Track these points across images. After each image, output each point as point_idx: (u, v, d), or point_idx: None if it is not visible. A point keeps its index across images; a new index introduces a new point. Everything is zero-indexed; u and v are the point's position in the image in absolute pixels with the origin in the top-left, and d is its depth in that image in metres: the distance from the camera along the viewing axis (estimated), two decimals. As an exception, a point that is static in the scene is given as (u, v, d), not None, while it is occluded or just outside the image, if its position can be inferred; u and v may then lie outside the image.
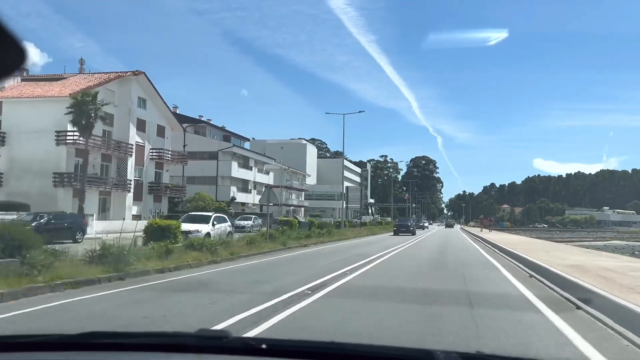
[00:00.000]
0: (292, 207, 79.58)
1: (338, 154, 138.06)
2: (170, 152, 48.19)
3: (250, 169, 62.66)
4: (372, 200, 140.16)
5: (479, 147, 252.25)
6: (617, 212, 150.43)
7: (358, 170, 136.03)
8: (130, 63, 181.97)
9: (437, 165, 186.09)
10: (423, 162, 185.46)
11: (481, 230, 58.20)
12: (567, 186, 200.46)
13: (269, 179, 67.84)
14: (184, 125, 58.74)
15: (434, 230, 66.93)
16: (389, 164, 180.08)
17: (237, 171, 58.79)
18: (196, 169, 57.96)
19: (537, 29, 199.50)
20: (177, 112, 61.31)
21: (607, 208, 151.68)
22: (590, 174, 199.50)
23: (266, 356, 1.88)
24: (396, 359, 1.94)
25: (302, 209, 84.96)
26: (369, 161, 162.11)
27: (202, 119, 62.48)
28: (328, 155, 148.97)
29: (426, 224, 77.02)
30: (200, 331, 2.07)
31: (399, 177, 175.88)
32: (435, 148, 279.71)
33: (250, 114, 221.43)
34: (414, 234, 40.72)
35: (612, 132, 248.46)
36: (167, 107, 47.53)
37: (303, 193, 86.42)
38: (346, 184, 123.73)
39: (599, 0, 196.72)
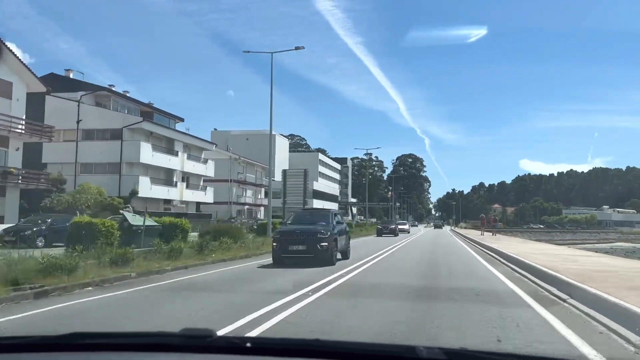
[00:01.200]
0: (246, 207, 62.20)
1: (319, 151, 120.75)
2: (23, 122, 30.75)
3: (176, 154, 45.15)
4: (353, 200, 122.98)
5: (466, 148, 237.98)
6: (618, 211, 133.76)
7: (337, 166, 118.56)
8: (116, 65, 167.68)
9: (424, 163, 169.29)
10: (410, 160, 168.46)
11: (482, 234, 41.03)
12: (559, 185, 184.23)
13: (206, 169, 50.33)
14: (80, 93, 41.44)
15: (419, 234, 49.51)
16: (374, 162, 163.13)
17: (150, 156, 41.30)
18: (95, 153, 40.60)
19: (515, 26, 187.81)
20: (71, 76, 43.91)
21: (607, 207, 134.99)
22: (582, 172, 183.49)
23: (251, 355, 1.78)
24: (379, 355, 1.80)
25: (262, 208, 67.50)
26: (352, 159, 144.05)
27: (114, 89, 44.97)
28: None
29: (406, 227, 53.83)
30: (185, 330, 1.91)
31: (385, 176, 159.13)
32: (423, 150, 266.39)
33: (236, 115, 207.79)
34: (330, 261, 14.07)
35: (597, 133, 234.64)
36: (14, 55, 30.04)
37: (263, 190, 68.85)
38: (323, 180, 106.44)
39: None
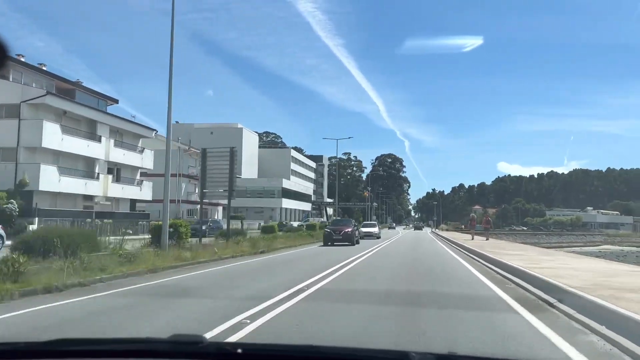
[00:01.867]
0: (198, 207, 52.95)
1: (296, 150, 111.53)
2: None
3: (99, 139, 35.82)
4: (329, 200, 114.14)
5: (445, 150, 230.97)
6: (602, 212, 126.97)
7: (312, 164, 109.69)
8: (93, 63, 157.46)
9: (403, 163, 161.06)
10: (389, 160, 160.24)
11: (472, 238, 32.57)
12: (540, 186, 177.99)
13: (142, 160, 41.00)
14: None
15: (395, 239, 40.73)
16: (353, 162, 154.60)
17: (59, 140, 31.91)
18: (-14, 135, 31.16)
19: (508, 35, 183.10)
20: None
21: (591, 208, 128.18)
22: (563, 173, 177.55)
23: None
24: None
25: (220, 208, 58.34)
26: (330, 159, 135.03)
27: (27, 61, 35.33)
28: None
29: (374, 230, 38.61)
30: (174, 336, 1.84)
31: (363, 176, 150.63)
32: (403, 152, 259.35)
33: (215, 115, 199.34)
34: None
35: (573, 137, 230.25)
36: None
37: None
38: (296, 179, 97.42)
39: (565, 14, 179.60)
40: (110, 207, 38.06)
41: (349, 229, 26.74)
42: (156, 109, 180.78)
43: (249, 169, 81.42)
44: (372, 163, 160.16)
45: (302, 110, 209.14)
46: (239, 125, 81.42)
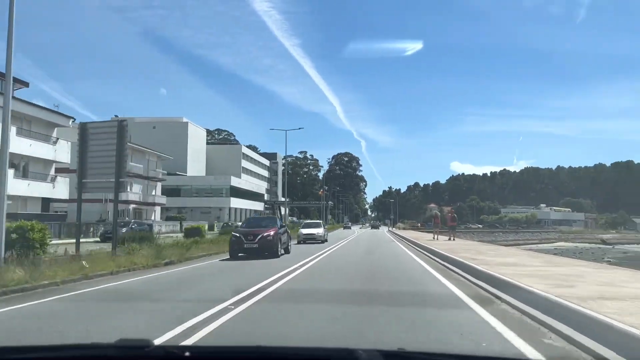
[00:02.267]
0: (131, 206, 46.64)
1: (250, 149, 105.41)
2: None
3: (-5, 126, 29.68)
4: (284, 199, 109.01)
5: (400, 150, 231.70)
6: (555, 209, 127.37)
7: (265, 162, 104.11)
8: (40, 61, 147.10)
9: (360, 162, 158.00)
10: (346, 159, 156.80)
11: (435, 238, 28.30)
12: (492, 185, 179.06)
13: (56, 153, 34.72)
14: None
15: (348, 240, 35.69)
16: (309, 161, 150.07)
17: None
18: None
19: (449, 41, 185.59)
20: None
21: (544, 205, 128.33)
22: (515, 172, 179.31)
23: None
24: (320, 359, 1.74)
25: (157, 208, 52.21)
26: (285, 157, 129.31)
27: None
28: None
29: (318, 231, 28.81)
30: (120, 341, 1.75)
31: (320, 175, 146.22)
32: (359, 152, 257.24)
33: (168, 114, 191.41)
34: None
35: (522, 137, 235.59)
36: None
37: (159, 184, 53.43)
38: (247, 177, 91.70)
39: (501, 19, 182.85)
40: (15, 207, 31.74)
41: (270, 233, 17.11)
42: (104, 107, 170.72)
43: (195, 165, 75.40)
44: (328, 162, 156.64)
45: (258, 110, 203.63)
46: (184, 120, 75.20)
